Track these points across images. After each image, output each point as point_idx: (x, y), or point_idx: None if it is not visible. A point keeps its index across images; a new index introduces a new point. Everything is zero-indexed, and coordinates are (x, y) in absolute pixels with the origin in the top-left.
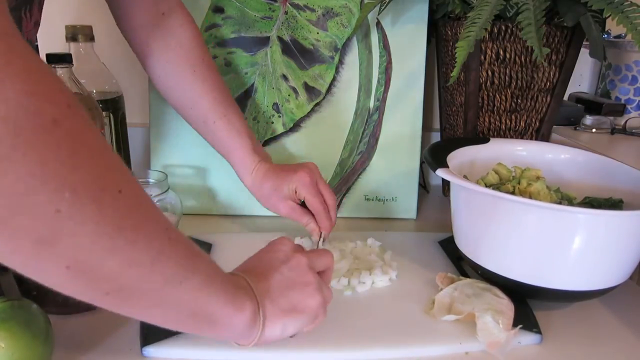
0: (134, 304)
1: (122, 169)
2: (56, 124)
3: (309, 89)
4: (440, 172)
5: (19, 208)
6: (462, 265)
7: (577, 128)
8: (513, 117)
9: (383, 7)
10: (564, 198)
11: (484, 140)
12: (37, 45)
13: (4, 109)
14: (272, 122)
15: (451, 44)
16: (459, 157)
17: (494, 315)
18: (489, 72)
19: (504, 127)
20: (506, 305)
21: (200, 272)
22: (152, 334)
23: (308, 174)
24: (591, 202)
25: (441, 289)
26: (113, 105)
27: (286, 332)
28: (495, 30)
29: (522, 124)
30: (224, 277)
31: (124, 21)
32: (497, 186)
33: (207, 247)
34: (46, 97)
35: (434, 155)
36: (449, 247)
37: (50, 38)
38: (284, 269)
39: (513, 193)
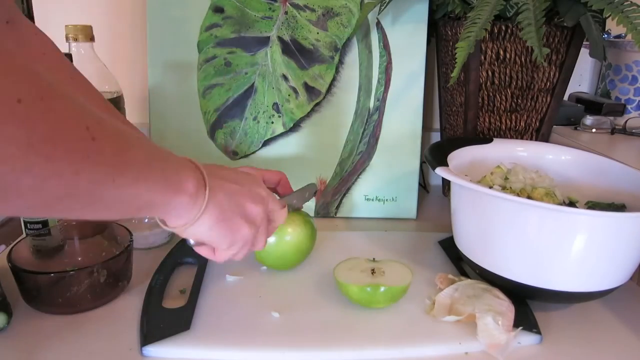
0: (67, 207)
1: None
2: None
3: (309, 89)
4: (440, 171)
5: None
6: (462, 265)
7: (577, 128)
8: (513, 117)
9: (383, 7)
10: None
11: (487, 140)
12: None
13: None
14: (272, 122)
15: (451, 44)
16: (459, 157)
17: (495, 317)
18: (489, 72)
19: (504, 127)
20: (507, 307)
21: (133, 165)
22: (152, 334)
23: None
24: (594, 207)
25: (440, 290)
26: (113, 105)
27: (217, 232)
28: (495, 30)
29: (522, 123)
30: (162, 163)
31: None
32: (503, 186)
33: None
34: None
35: (435, 155)
36: (449, 247)
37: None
38: (244, 186)
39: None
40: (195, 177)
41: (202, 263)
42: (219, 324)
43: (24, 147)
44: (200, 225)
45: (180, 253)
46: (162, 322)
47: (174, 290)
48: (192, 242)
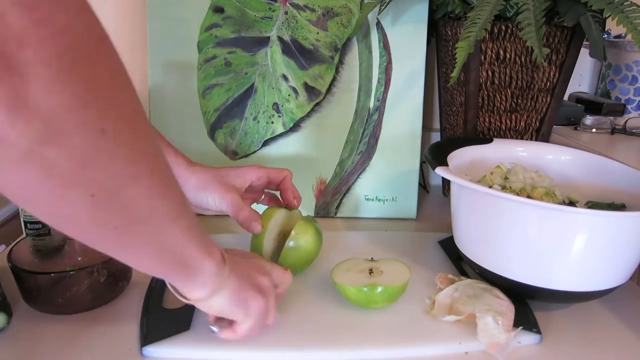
0: (132, 241)
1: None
2: (102, 40)
3: (309, 89)
4: (440, 171)
5: (67, 124)
6: (462, 265)
7: (577, 128)
8: (513, 117)
9: (383, 7)
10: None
11: (487, 140)
12: None
13: (63, 19)
14: (272, 122)
15: (451, 44)
16: (459, 157)
17: (495, 317)
18: (489, 72)
19: (504, 127)
20: (507, 307)
21: (187, 214)
22: (152, 334)
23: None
24: (594, 207)
25: (440, 290)
26: None
27: (236, 303)
28: (495, 30)
29: (522, 123)
30: (199, 228)
31: None
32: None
33: None
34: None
35: (434, 154)
36: (449, 247)
37: None
38: (249, 264)
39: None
40: (219, 249)
41: None
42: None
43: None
44: (220, 296)
45: None
46: (162, 323)
47: None
48: (215, 329)
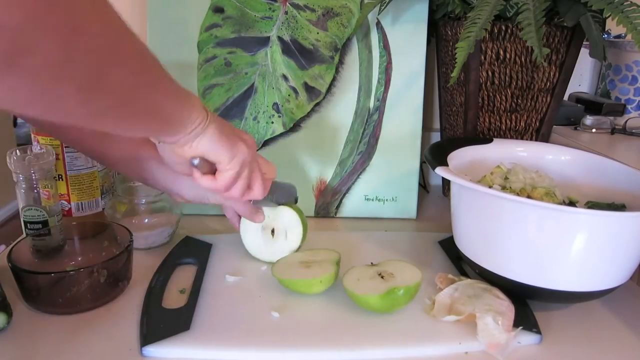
0: (123, 113)
1: None
2: None
3: (309, 89)
4: (440, 171)
5: (36, 33)
6: (462, 265)
7: (577, 128)
8: (513, 117)
9: (383, 7)
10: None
11: (487, 140)
12: None
13: None
14: (272, 122)
15: (451, 44)
16: (459, 157)
17: (495, 317)
18: (489, 72)
19: (504, 127)
20: (507, 307)
21: (164, 76)
22: (152, 334)
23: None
24: (594, 207)
25: (440, 290)
26: None
27: (219, 144)
28: (495, 30)
29: (522, 124)
30: (174, 82)
31: None
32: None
33: (207, 247)
34: None
35: (435, 154)
36: (449, 247)
37: None
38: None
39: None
40: (200, 102)
41: (202, 263)
42: (218, 324)
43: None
44: (205, 136)
45: (180, 253)
46: (162, 322)
47: (173, 290)
48: (195, 161)
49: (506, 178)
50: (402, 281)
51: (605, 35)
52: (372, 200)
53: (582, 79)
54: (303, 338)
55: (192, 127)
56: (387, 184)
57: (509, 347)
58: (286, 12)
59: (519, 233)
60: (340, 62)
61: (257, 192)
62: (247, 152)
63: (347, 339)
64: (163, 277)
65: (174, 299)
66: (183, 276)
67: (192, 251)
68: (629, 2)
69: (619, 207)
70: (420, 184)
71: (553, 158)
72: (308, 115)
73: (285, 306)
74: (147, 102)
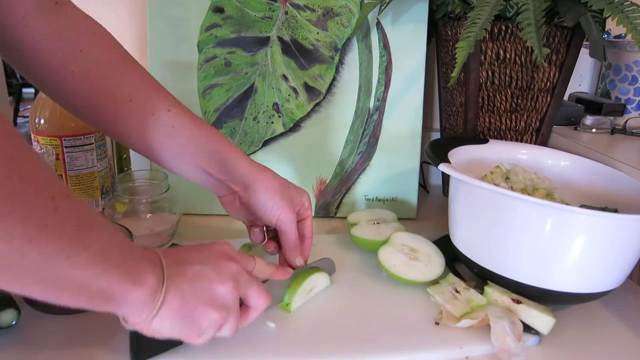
0: (12, 279)
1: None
2: None
3: (309, 89)
4: (443, 167)
5: None
6: (455, 265)
7: (577, 128)
8: (513, 117)
9: (383, 7)
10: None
11: (483, 140)
12: None
13: None
14: (272, 122)
15: (451, 44)
16: (457, 156)
17: (510, 323)
18: (489, 72)
19: (504, 127)
20: (517, 318)
21: (92, 245)
22: (143, 351)
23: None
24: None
25: (433, 299)
26: None
27: (182, 325)
28: (495, 30)
29: (522, 123)
30: (123, 250)
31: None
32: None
33: None
34: None
35: (436, 151)
36: (442, 247)
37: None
38: (208, 266)
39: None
40: (157, 270)
41: None
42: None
43: None
44: (161, 321)
45: None
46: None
47: None
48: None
49: (507, 178)
50: (429, 258)
51: (605, 35)
52: (372, 200)
53: (582, 79)
54: (299, 349)
55: (138, 307)
56: (387, 184)
57: (517, 357)
58: (286, 12)
59: (519, 232)
60: (340, 62)
61: (227, 332)
62: (218, 320)
63: (348, 344)
64: None
65: None
66: None
67: None
68: (629, 2)
69: (612, 212)
70: (420, 184)
71: (552, 163)
72: (308, 115)
73: (281, 316)
74: (69, 275)
